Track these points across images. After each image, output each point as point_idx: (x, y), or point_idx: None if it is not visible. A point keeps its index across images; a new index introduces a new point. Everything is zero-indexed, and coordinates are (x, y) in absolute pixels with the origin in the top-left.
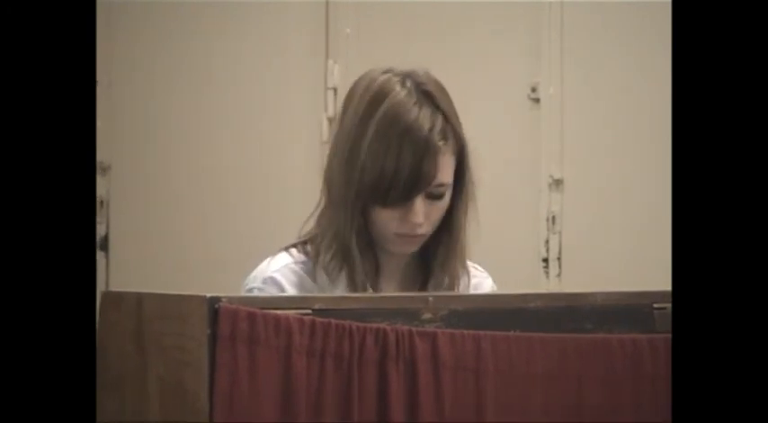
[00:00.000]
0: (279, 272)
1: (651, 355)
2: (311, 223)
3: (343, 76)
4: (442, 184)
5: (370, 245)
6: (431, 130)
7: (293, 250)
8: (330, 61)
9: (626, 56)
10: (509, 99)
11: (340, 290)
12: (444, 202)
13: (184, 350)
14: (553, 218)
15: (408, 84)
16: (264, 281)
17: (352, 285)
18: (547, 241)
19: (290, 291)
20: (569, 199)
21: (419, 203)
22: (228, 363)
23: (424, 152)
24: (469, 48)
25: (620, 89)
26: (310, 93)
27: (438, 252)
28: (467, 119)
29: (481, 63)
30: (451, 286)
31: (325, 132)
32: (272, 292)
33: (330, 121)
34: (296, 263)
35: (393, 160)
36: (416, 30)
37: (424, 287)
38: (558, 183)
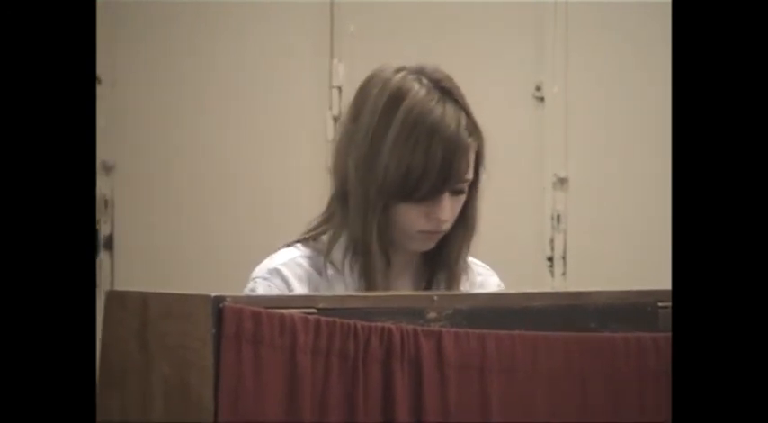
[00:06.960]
0: (285, 264)
1: (655, 353)
2: (318, 220)
3: (347, 75)
4: (468, 180)
5: (386, 243)
6: (458, 127)
7: (299, 245)
8: (335, 60)
9: (630, 55)
10: (513, 98)
11: (348, 284)
12: (464, 197)
13: (189, 349)
14: (558, 217)
15: (424, 81)
16: (270, 272)
17: (369, 283)
18: (551, 240)
19: (295, 283)
20: (574, 198)
21: (446, 200)
22: (233, 362)
23: (455, 149)
24: (474, 46)
25: (624, 88)
26: (315, 92)
27: (454, 246)
28: None
29: (485, 62)
30: (457, 281)
31: (330, 131)
32: (276, 283)
33: (335, 119)
34: (303, 256)
35: (421, 158)
36: (421, 28)
37: (430, 282)
38: (562, 181)
